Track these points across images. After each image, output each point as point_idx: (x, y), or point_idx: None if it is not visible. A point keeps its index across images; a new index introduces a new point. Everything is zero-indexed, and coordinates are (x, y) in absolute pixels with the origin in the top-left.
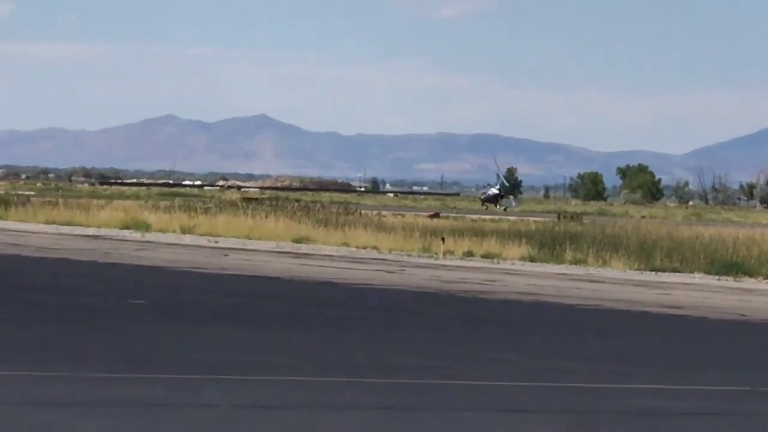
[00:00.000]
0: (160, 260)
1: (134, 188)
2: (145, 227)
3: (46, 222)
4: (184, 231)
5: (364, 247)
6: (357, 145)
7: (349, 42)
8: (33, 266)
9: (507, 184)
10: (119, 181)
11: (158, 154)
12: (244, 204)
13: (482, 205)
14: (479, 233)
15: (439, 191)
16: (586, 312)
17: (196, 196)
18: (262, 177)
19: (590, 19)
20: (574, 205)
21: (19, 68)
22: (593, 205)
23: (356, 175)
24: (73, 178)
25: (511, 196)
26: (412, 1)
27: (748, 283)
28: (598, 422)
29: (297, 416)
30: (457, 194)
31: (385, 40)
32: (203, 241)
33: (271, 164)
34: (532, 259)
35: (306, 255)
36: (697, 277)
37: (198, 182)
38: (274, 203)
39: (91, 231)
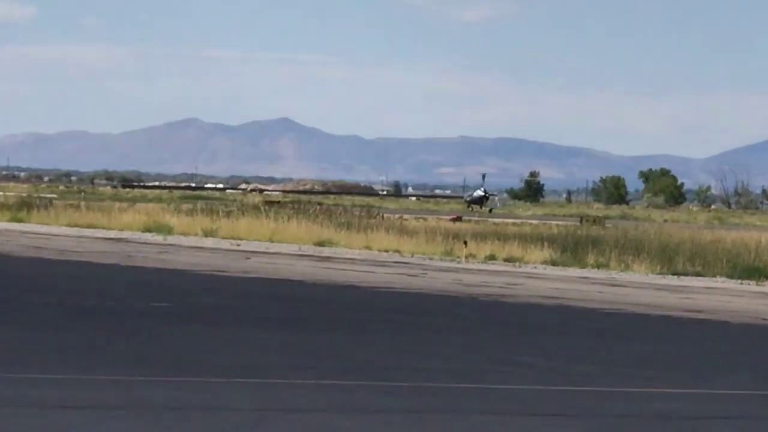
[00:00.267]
0: (183, 263)
1: (156, 191)
2: (168, 230)
3: (69, 225)
4: (207, 234)
5: (386, 251)
6: (379, 148)
7: (371, 44)
8: (55, 269)
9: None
10: (141, 184)
11: (181, 157)
12: (267, 207)
13: (468, 207)
14: (501, 237)
15: (462, 195)
16: (608, 316)
17: (218, 199)
18: (284, 180)
19: (613, 22)
20: (597, 209)
21: (42, 71)
22: (615, 209)
23: (378, 179)
24: (96, 180)
25: (496, 198)
26: (435, 4)
27: None
28: (620, 426)
29: (320, 419)
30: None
31: (408, 43)
32: (225, 244)
33: (294, 167)
34: (554, 263)
35: (328, 258)
36: (719, 282)
37: (220, 185)
38: (296, 206)
39: (113, 234)
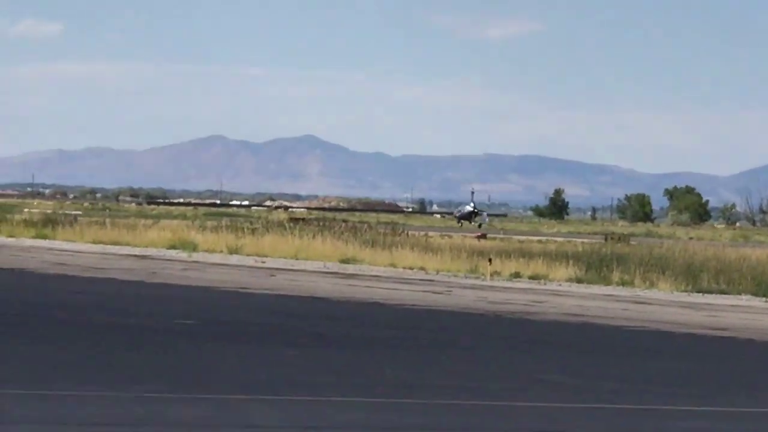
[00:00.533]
0: (207, 280)
1: (181, 208)
2: (192, 247)
3: (93, 241)
4: (231, 251)
5: (411, 268)
6: (404, 165)
7: (396, 62)
8: (80, 286)
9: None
10: (166, 200)
11: (206, 174)
12: (291, 224)
13: (458, 222)
14: (526, 254)
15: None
16: (632, 333)
17: (243, 216)
18: (309, 197)
19: (638, 40)
20: (621, 227)
21: (67, 87)
22: (640, 227)
23: (403, 196)
24: (121, 197)
25: (485, 214)
26: (460, 22)
27: None
28: None
29: None
30: (505, 215)
31: (433, 61)
32: (250, 261)
33: (318, 184)
34: (579, 281)
35: (353, 275)
36: (744, 299)
37: (245, 202)
38: (321, 223)
39: (138, 251)
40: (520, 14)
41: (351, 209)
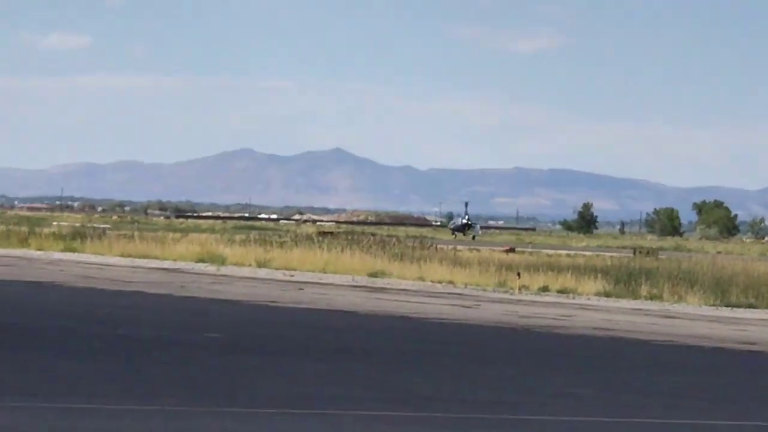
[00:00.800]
0: (236, 294)
1: (210, 221)
2: (221, 261)
3: (122, 255)
4: (260, 265)
5: (440, 282)
6: (432, 179)
7: (426, 75)
8: (109, 299)
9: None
10: (195, 214)
11: (234, 188)
12: (320, 238)
13: (452, 234)
14: (555, 268)
15: (515, 226)
16: (661, 347)
17: (271, 229)
18: (338, 211)
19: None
20: (650, 241)
21: (95, 100)
22: (669, 241)
23: (432, 209)
24: (149, 210)
25: (477, 226)
26: (489, 35)
27: None
28: None
29: None
30: (533, 229)
31: (462, 74)
32: (279, 274)
33: (347, 198)
34: (607, 295)
35: (382, 289)
36: None
37: (274, 216)
38: (349, 237)
39: (166, 264)
40: (549, 27)
41: (379, 223)
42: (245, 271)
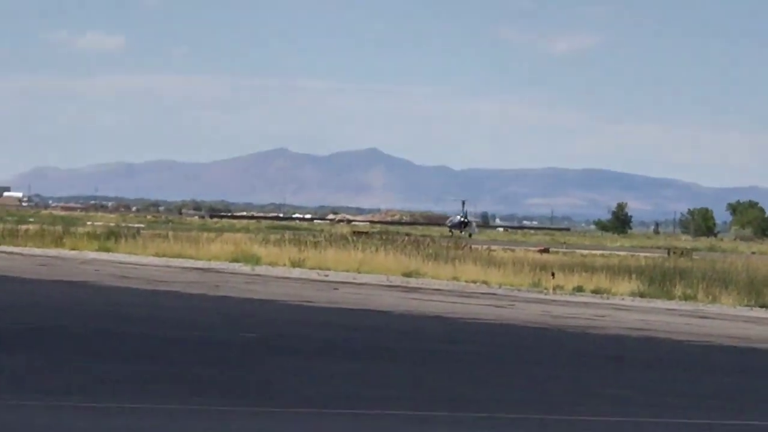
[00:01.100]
0: (270, 294)
1: (244, 221)
2: (255, 260)
3: (156, 254)
4: (294, 264)
5: (474, 282)
6: (467, 179)
7: (460, 76)
8: (143, 299)
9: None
10: (229, 214)
11: (269, 187)
12: (354, 238)
13: (449, 231)
14: (589, 268)
15: (549, 226)
16: (695, 348)
17: (306, 229)
18: (372, 211)
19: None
20: (684, 241)
21: (130, 101)
22: (703, 241)
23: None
24: (184, 210)
25: (474, 223)
26: (525, 35)
27: None
28: None
29: None
30: (567, 229)
31: (497, 74)
32: (313, 274)
33: (382, 198)
34: (641, 295)
35: (416, 289)
36: None
37: (308, 216)
38: (384, 237)
39: (200, 264)
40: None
41: (414, 223)
42: (279, 271)
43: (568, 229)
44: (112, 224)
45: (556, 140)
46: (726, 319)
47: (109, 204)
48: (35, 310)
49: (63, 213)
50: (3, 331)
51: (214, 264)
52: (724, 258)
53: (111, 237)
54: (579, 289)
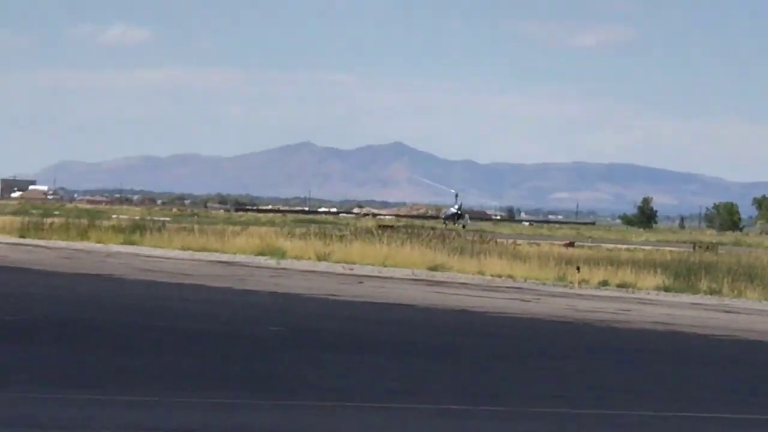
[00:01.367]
0: (296, 287)
1: (270, 215)
2: (281, 254)
3: (182, 248)
4: (320, 258)
5: (499, 276)
6: (492, 173)
7: (486, 70)
8: (168, 292)
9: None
10: (255, 207)
11: (293, 181)
12: (380, 231)
13: (443, 223)
14: (614, 263)
15: (575, 220)
16: (720, 342)
17: (331, 223)
18: (397, 204)
19: (728, 48)
20: (709, 235)
21: (155, 94)
22: (729, 236)
23: (491, 204)
24: (209, 204)
25: (467, 216)
26: (550, 29)
27: None
28: None
29: None
30: (593, 223)
31: (521, 68)
32: (338, 268)
33: (407, 192)
34: (667, 289)
35: (441, 283)
36: None
37: (333, 209)
38: (409, 231)
39: (226, 257)
40: (608, 21)
41: (438, 217)
42: (305, 265)
43: (593, 224)
44: (137, 217)
45: (582, 134)
46: (751, 313)
47: (135, 197)
48: (59, 302)
49: (88, 206)
50: (26, 323)
51: (240, 257)
52: (750, 252)
53: (136, 230)
54: (604, 284)
